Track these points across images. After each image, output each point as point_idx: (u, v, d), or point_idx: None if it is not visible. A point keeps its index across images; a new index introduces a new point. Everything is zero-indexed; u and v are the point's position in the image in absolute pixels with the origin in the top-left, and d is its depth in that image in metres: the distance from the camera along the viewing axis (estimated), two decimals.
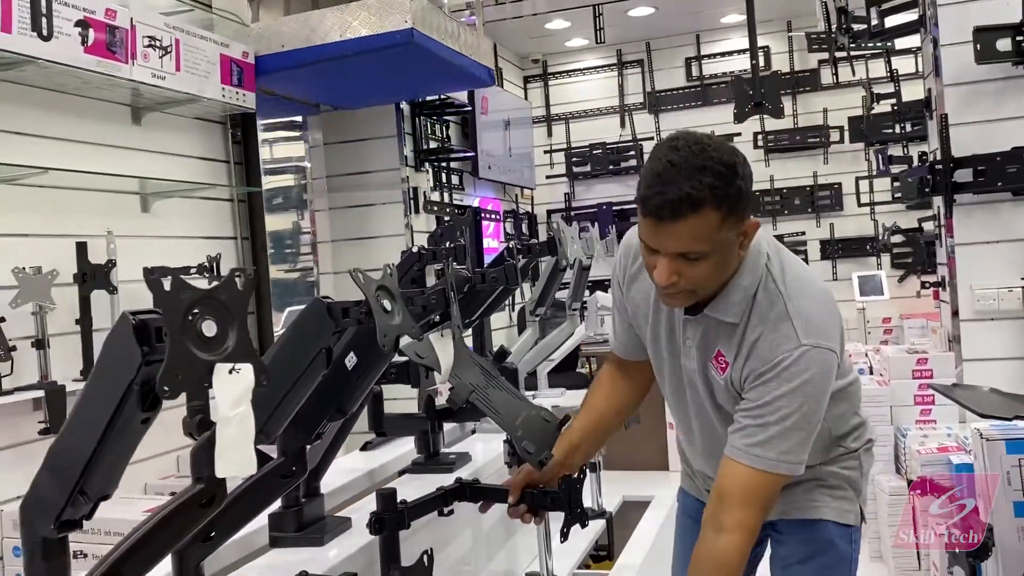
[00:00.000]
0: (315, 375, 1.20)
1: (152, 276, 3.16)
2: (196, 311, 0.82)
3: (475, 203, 6.06)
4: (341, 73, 3.68)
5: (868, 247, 6.53)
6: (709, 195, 1.32)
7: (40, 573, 0.94)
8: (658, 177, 1.34)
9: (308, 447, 1.34)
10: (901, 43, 5.22)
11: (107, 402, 0.88)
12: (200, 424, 1.54)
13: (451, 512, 1.63)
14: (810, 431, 1.46)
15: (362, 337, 1.28)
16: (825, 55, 6.41)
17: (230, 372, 0.81)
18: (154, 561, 1.18)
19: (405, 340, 1.19)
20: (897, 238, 6.33)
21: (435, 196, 5.13)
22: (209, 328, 0.81)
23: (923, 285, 5.58)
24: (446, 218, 4.97)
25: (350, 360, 1.30)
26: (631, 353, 1.74)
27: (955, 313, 3.80)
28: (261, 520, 1.58)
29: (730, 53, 6.94)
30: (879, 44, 4.88)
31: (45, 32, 2.53)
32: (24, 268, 2.67)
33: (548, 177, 7.22)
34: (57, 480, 0.92)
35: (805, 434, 1.45)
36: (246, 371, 0.82)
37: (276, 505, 1.58)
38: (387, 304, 1.15)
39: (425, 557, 1.28)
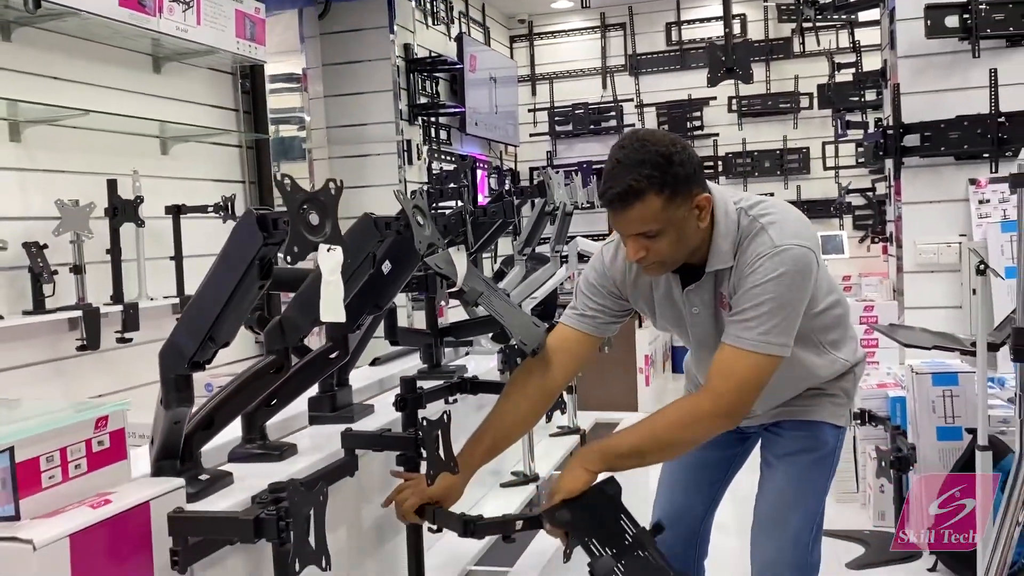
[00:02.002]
0: (362, 275, 1.53)
1: (175, 212, 3.48)
2: (305, 206, 1.14)
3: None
4: None
5: (832, 209, 6.91)
6: (647, 184, 1.60)
7: (173, 402, 1.28)
8: (609, 174, 1.64)
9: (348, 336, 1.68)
10: (866, 15, 5.54)
11: (234, 272, 1.21)
12: (258, 320, 1.89)
13: (455, 401, 1.99)
14: (789, 318, 1.66)
15: (397, 247, 1.62)
16: (793, 23, 6.72)
17: (328, 250, 1.14)
18: (236, 412, 1.53)
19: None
20: (859, 200, 6.73)
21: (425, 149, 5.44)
22: (314, 219, 1.14)
23: (873, 241, 5.96)
24: (435, 171, 5.28)
25: (386, 266, 1.63)
26: (579, 324, 1.89)
27: (900, 266, 4.19)
28: (301, 405, 1.93)
29: (709, 19, 7.23)
30: (843, 16, 5.21)
31: None
32: (64, 201, 2.97)
33: (531, 135, 7.53)
34: (191, 331, 1.25)
35: (783, 319, 1.65)
36: (337, 251, 1.15)
37: (314, 391, 1.92)
38: (420, 219, 1.49)
39: (444, 415, 1.62)
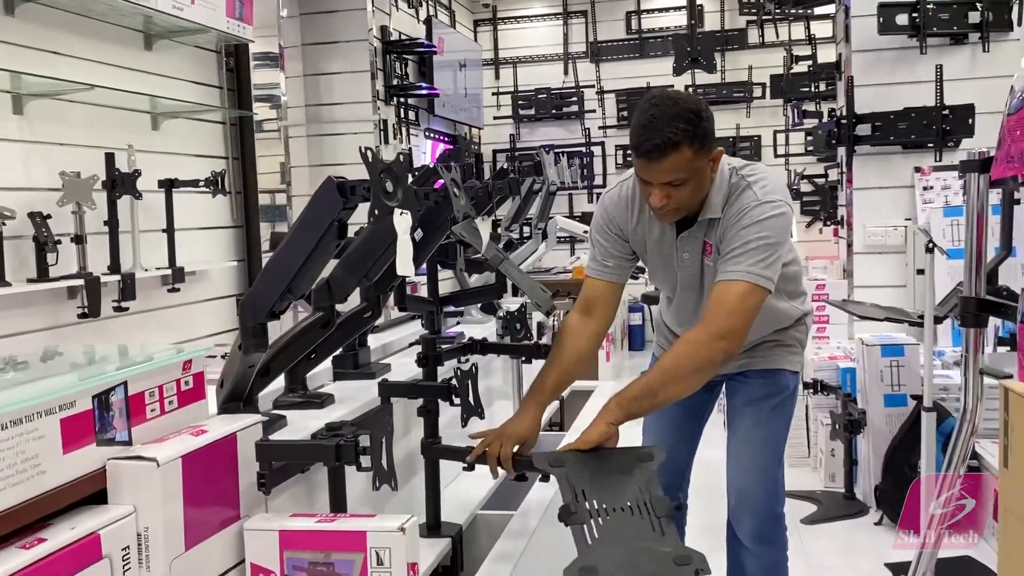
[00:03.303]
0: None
1: (167, 186, 3.58)
2: (383, 174, 1.32)
3: (427, 143, 6.49)
4: None
5: None
6: (683, 137, 1.80)
7: (251, 347, 1.44)
8: (645, 128, 1.81)
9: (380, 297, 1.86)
10: (820, 9, 5.83)
11: (315, 232, 1.37)
12: None
13: (467, 360, 2.18)
14: (772, 256, 1.85)
15: (428, 216, 1.80)
16: (753, 16, 7.00)
17: (400, 213, 1.32)
18: (289, 362, 1.70)
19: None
20: (807, 187, 7.06)
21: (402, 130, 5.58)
22: (389, 186, 1.32)
23: (825, 224, 6.28)
24: (405, 149, 5.43)
25: (418, 234, 1.81)
26: (606, 274, 2.10)
27: (850, 248, 4.49)
28: (325, 363, 2.10)
29: (667, 9, 7.46)
30: (800, 11, 5.49)
31: None
32: (67, 173, 3.06)
33: (495, 118, 7.69)
34: (272, 285, 1.41)
35: (767, 255, 1.84)
36: (407, 216, 1.32)
37: (337, 351, 2.10)
38: (456, 191, 1.67)
39: (473, 367, 1.81)
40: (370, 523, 1.34)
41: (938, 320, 3.19)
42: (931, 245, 2.94)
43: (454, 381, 1.81)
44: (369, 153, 1.32)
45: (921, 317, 3.14)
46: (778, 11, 5.14)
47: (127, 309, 3.34)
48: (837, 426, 3.64)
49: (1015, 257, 3.37)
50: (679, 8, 7.28)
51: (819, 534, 3.48)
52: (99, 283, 3.18)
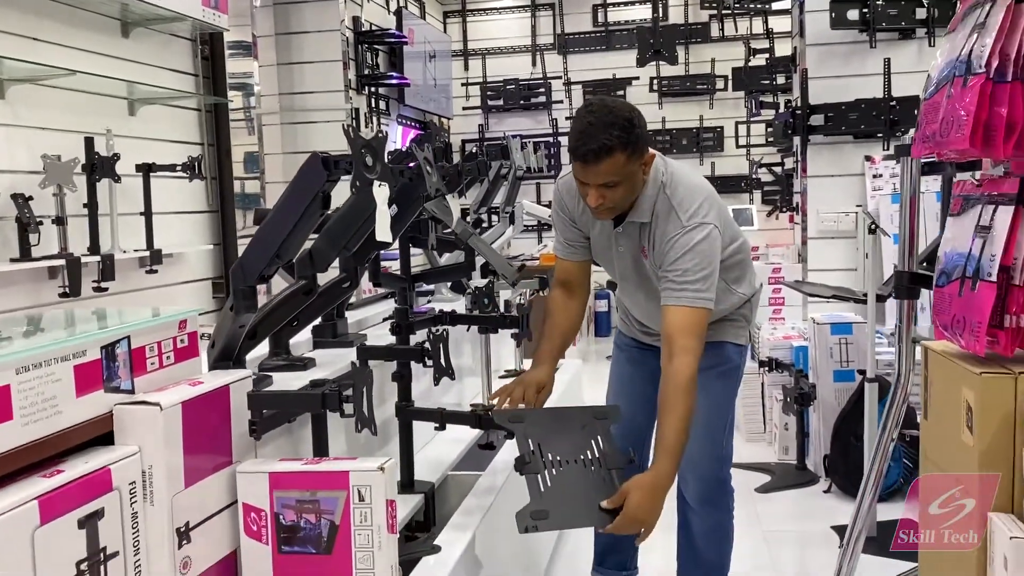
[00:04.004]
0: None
1: (145, 170, 3.68)
2: (363, 150, 1.45)
3: (398, 129, 6.61)
4: None
5: (743, 184, 7.43)
6: (617, 143, 1.96)
7: (242, 309, 1.57)
8: (582, 134, 1.97)
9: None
10: (777, 4, 6.03)
11: (301, 202, 1.51)
12: None
13: (438, 330, 2.33)
14: (708, 278, 2.04)
15: (403, 193, 1.94)
16: (714, 10, 7.19)
17: (379, 185, 1.46)
18: (274, 326, 1.83)
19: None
20: (768, 177, 7.28)
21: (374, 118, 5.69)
22: (369, 160, 1.45)
23: (781, 211, 6.49)
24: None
25: (392, 210, 1.94)
26: (572, 255, 2.33)
27: (804, 233, 4.70)
28: (305, 334, 2.23)
29: (633, 3, 7.63)
30: (758, 5, 5.68)
31: None
32: (49, 156, 3.15)
33: (464, 109, 7.82)
34: (261, 250, 1.55)
35: (703, 278, 2.03)
36: (385, 186, 1.47)
37: (317, 322, 2.23)
38: (429, 168, 1.81)
39: (444, 332, 1.95)
40: (352, 464, 1.48)
41: (881, 298, 3.39)
42: (873, 227, 3.14)
43: (427, 344, 1.95)
44: (351, 130, 1.45)
45: (865, 295, 3.33)
46: (737, 5, 5.32)
47: (106, 289, 3.44)
48: (789, 399, 3.83)
49: None
50: (644, 1, 7.46)
51: (773, 501, 3.67)
52: (80, 263, 3.27)
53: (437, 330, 2.19)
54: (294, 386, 1.76)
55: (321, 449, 1.66)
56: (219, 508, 1.50)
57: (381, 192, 1.46)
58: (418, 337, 2.21)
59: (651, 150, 2.12)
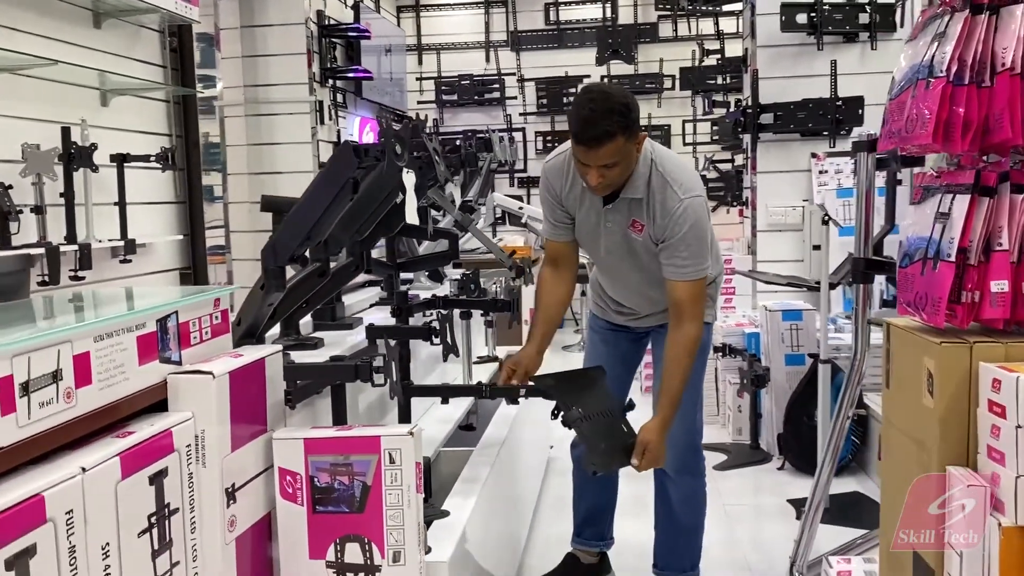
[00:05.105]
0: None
1: (119, 160, 3.70)
2: (393, 139, 1.57)
3: (356, 122, 6.67)
4: None
5: None
6: (618, 128, 2.13)
7: (273, 288, 1.68)
8: (585, 121, 2.12)
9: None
10: (728, 6, 6.28)
11: (333, 187, 1.62)
12: None
13: (431, 314, 2.45)
14: (707, 249, 2.32)
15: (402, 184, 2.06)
16: (667, 11, 7.42)
17: (407, 172, 1.58)
18: (292, 306, 1.94)
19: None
20: (712, 174, 7.55)
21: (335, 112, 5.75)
22: (399, 149, 1.58)
23: (732, 204, 6.76)
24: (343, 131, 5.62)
25: (399, 199, 2.07)
26: (560, 235, 2.49)
27: (754, 226, 4.94)
28: (307, 317, 2.34)
29: (584, 2, 7.81)
30: (709, 7, 5.92)
31: None
32: (29, 145, 3.17)
33: (419, 103, 7.91)
34: (293, 232, 1.65)
35: (705, 250, 2.31)
36: (412, 175, 1.59)
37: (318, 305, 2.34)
38: (437, 158, 1.94)
39: (449, 313, 2.09)
40: (383, 429, 1.61)
41: (833, 285, 3.62)
42: (826, 218, 3.36)
43: (434, 324, 2.08)
44: (384, 121, 1.57)
45: (818, 283, 3.56)
46: (689, 7, 5.54)
47: (83, 279, 3.46)
48: (745, 381, 4.05)
49: (896, 234, 3.87)
50: (595, 1, 7.65)
51: (730, 479, 3.89)
52: (59, 252, 3.30)
53: (430, 315, 2.32)
54: (310, 363, 1.87)
55: (340, 418, 1.78)
56: (257, 472, 1.60)
57: (409, 179, 1.59)
58: (415, 320, 2.33)
59: (643, 132, 2.29)
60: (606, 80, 7.69)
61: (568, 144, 2.36)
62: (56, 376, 1.18)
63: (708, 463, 4.07)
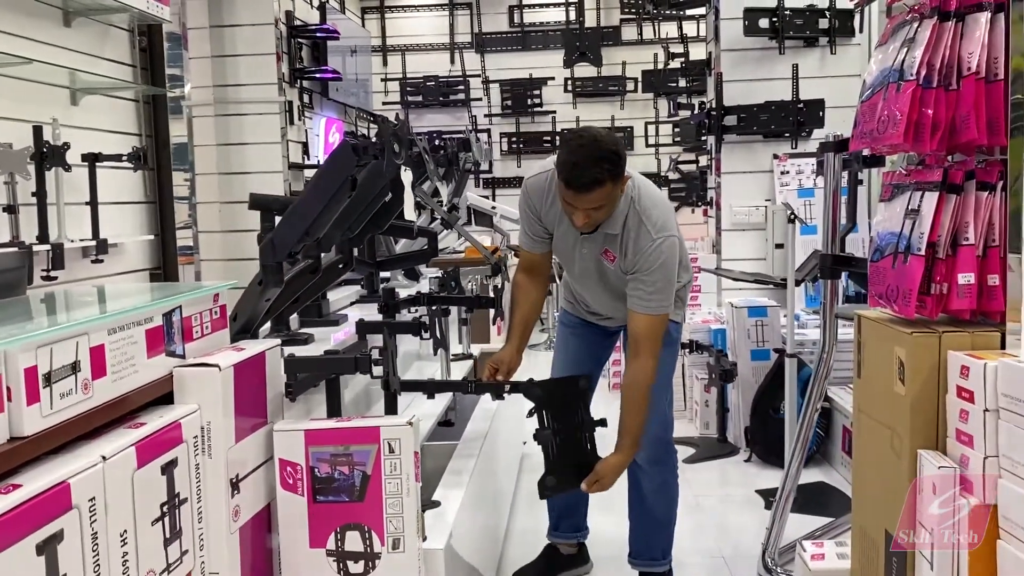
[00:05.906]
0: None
1: (91, 160, 3.68)
2: (391, 138, 1.62)
3: (322, 122, 6.67)
4: None
5: (653, 182, 7.77)
6: (607, 175, 2.21)
7: (271, 283, 1.71)
8: (575, 167, 2.19)
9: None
10: (692, 11, 6.40)
11: (332, 184, 1.65)
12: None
13: (416, 310, 2.50)
14: (670, 286, 2.40)
15: (395, 182, 2.10)
16: (632, 15, 7.53)
17: (404, 169, 1.62)
18: (285, 301, 1.97)
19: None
20: (674, 175, 7.68)
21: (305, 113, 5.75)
22: (397, 147, 1.62)
23: (696, 205, 6.89)
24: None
25: (387, 198, 2.11)
26: (537, 248, 2.57)
27: (718, 226, 5.05)
28: (294, 316, 2.37)
29: (548, 5, 7.89)
30: (674, 12, 6.03)
31: None
32: (1, 144, 3.14)
33: (384, 104, 7.92)
34: (292, 228, 1.69)
35: (668, 288, 2.39)
36: (409, 172, 1.63)
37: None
38: (427, 157, 1.99)
39: (439, 309, 2.13)
40: (382, 420, 1.65)
41: (798, 282, 3.73)
42: (792, 216, 3.47)
43: (425, 319, 2.13)
44: (381, 120, 1.62)
45: (783, 280, 3.67)
46: (655, 10, 5.64)
47: (56, 278, 3.44)
48: (713, 375, 4.15)
49: (857, 232, 4.01)
50: (559, 4, 7.73)
51: (699, 471, 3.98)
52: (31, 252, 3.27)
53: (415, 311, 2.37)
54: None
55: (335, 411, 1.82)
56: (258, 464, 1.64)
57: (407, 176, 1.63)
58: (401, 316, 2.37)
59: (627, 175, 2.35)
60: (568, 82, 7.80)
61: (551, 161, 2.42)
62: (75, 367, 1.21)
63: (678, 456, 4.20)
